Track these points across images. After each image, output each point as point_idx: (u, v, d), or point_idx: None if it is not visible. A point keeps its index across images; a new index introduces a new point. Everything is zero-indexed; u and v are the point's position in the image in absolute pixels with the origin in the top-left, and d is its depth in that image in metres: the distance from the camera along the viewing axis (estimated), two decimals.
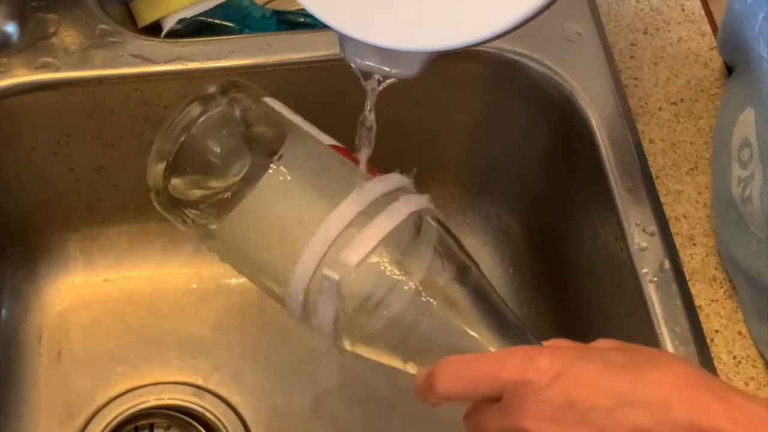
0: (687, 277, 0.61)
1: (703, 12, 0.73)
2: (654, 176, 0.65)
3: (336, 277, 0.50)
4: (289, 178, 0.54)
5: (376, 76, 0.49)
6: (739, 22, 0.62)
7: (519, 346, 0.47)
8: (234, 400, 0.75)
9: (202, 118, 0.55)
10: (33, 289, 0.78)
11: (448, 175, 0.80)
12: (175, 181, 0.56)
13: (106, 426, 0.73)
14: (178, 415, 0.74)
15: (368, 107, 0.50)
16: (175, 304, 0.79)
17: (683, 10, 0.74)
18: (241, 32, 0.75)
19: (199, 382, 0.75)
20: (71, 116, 0.71)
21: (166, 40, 0.72)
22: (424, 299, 0.50)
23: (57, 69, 0.68)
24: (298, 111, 0.57)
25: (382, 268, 0.50)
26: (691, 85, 0.70)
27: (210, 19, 0.76)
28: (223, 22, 0.76)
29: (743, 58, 0.64)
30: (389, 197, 0.52)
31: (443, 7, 0.45)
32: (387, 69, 0.48)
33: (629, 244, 0.62)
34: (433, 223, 0.53)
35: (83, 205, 0.77)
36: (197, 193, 0.56)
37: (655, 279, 0.61)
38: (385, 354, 0.52)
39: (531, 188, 0.78)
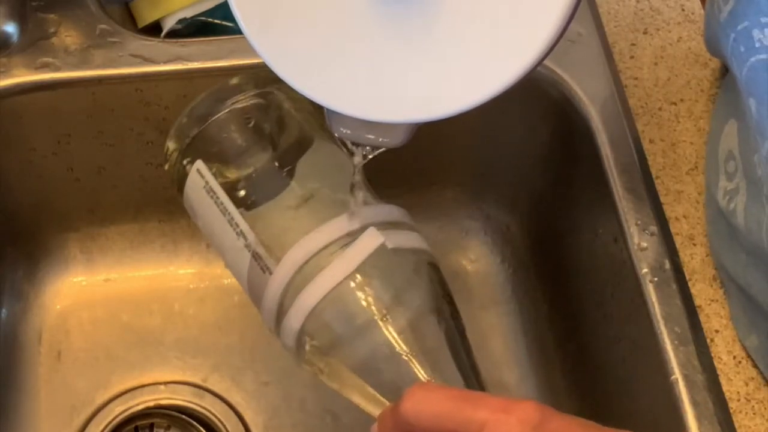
0: (687, 277, 0.61)
1: (703, 12, 0.73)
2: (654, 176, 0.65)
3: (297, 322, 0.50)
4: (293, 188, 0.54)
5: (361, 150, 0.49)
6: (716, 38, 0.61)
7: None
8: (234, 400, 0.75)
9: (229, 108, 0.55)
10: (33, 289, 0.78)
11: (447, 175, 0.80)
12: (195, 164, 0.56)
13: (106, 426, 0.73)
14: (178, 415, 0.74)
15: (356, 180, 0.50)
16: (175, 304, 0.79)
17: (683, 10, 0.74)
18: (241, 32, 0.75)
19: (199, 382, 0.75)
20: (71, 116, 0.71)
21: (166, 40, 0.72)
22: (398, 351, 0.49)
23: (57, 69, 0.68)
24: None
25: (362, 303, 0.50)
26: (691, 85, 0.70)
27: (210, 19, 0.76)
28: (223, 22, 0.76)
29: (728, 67, 0.63)
30: (381, 226, 0.51)
31: (425, 77, 0.44)
32: (372, 138, 0.48)
33: (629, 244, 0.62)
34: (427, 269, 0.52)
35: (83, 205, 0.77)
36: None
37: (655, 279, 0.61)
38: (345, 387, 0.52)
39: (531, 188, 0.78)
